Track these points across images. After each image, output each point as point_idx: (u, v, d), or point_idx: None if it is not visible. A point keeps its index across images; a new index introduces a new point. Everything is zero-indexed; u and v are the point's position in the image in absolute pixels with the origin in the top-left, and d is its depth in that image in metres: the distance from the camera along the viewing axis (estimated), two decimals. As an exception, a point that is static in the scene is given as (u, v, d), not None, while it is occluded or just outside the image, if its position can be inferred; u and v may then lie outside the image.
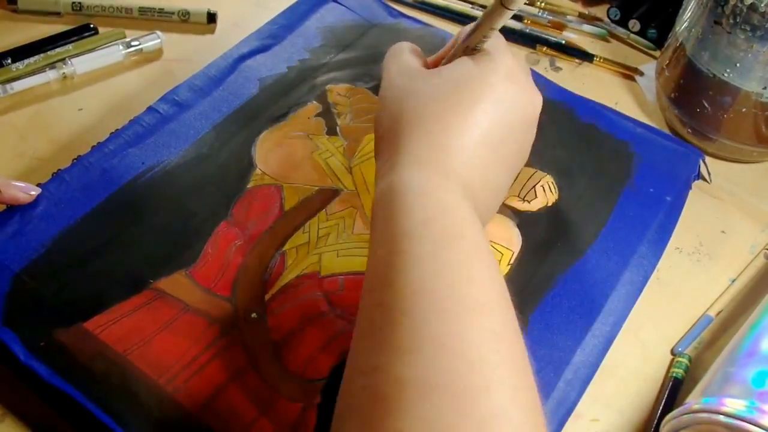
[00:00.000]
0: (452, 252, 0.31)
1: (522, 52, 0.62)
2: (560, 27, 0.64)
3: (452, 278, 0.31)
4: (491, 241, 0.46)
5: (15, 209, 0.44)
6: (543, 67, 0.61)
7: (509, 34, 0.64)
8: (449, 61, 0.40)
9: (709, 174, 0.53)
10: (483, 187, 0.36)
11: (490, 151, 0.36)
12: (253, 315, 0.42)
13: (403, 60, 0.40)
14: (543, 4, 0.66)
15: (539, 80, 0.56)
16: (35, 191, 0.45)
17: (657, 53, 0.63)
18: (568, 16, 0.65)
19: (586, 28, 0.65)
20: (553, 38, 0.63)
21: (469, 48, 0.39)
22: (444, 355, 0.28)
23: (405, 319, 0.29)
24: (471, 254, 0.32)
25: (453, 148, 0.35)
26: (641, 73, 0.61)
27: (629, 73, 0.61)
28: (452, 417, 0.27)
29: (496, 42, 0.38)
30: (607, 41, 0.64)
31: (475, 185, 0.35)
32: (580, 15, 0.65)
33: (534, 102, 0.39)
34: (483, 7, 0.66)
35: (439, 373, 0.28)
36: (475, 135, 0.36)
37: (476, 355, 0.28)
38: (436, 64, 0.42)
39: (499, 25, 0.36)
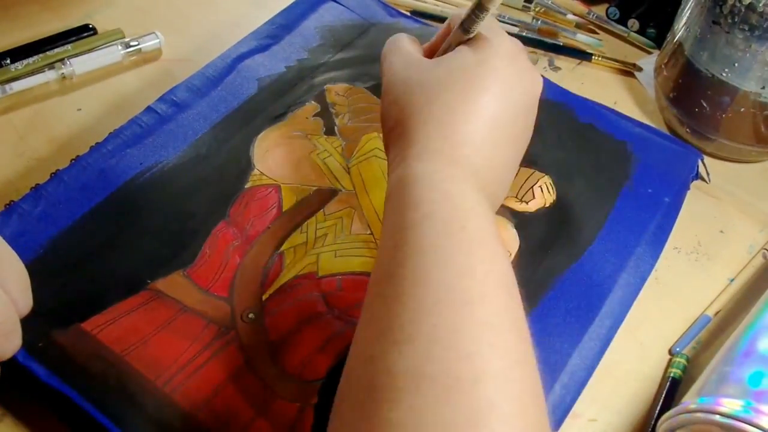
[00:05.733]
0: (453, 244, 0.32)
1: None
2: (554, 35, 0.64)
3: (451, 270, 0.31)
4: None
5: (13, 209, 0.44)
6: (542, 67, 0.61)
7: (508, 33, 0.64)
8: (447, 47, 0.40)
9: (707, 174, 0.53)
10: (493, 168, 0.37)
11: (500, 133, 0.37)
12: (251, 315, 0.42)
13: (404, 52, 0.41)
14: (538, 9, 0.65)
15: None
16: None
17: (656, 51, 0.63)
18: (565, 17, 0.65)
19: (581, 38, 0.64)
20: (549, 41, 0.63)
21: (465, 30, 0.39)
22: (436, 347, 0.29)
23: (402, 310, 0.30)
24: (472, 245, 0.32)
25: (463, 135, 0.36)
26: (640, 69, 0.61)
27: (628, 69, 0.61)
28: (441, 408, 0.27)
29: (490, 25, 0.39)
30: (602, 54, 0.63)
31: (486, 168, 0.36)
32: (577, 25, 0.65)
33: (535, 80, 0.40)
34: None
35: (430, 364, 0.28)
36: (485, 119, 0.37)
37: (468, 347, 0.28)
38: (431, 52, 0.42)
39: (494, 7, 0.37)
